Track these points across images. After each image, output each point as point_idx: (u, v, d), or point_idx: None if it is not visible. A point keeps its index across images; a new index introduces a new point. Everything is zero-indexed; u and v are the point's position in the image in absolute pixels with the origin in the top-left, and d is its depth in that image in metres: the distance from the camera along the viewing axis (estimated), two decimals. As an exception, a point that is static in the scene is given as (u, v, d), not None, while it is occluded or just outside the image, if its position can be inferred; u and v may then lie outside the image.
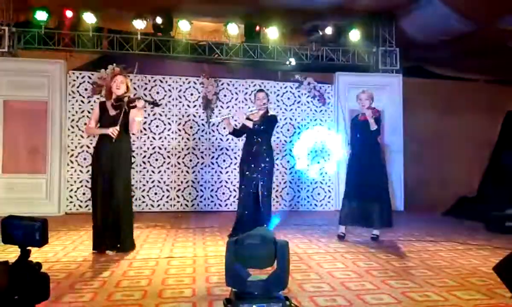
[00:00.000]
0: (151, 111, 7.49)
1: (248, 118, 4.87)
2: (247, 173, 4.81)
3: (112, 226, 4.09)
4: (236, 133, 5.15)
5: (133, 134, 4.33)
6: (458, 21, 6.81)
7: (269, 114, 4.93)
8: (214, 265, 3.68)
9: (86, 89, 7.32)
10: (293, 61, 8.10)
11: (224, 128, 5.16)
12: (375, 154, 4.83)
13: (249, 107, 5.06)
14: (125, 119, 4.12)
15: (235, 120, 5.58)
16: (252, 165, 4.78)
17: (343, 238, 4.86)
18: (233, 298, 2.39)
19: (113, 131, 4.03)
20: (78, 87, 7.33)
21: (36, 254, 3.98)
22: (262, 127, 4.79)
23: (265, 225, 4.78)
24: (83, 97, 7.33)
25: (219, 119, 5.29)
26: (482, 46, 7.95)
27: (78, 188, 7.26)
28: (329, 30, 7.76)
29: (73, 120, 7.30)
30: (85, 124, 7.28)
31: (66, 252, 4.19)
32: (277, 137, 7.89)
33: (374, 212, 4.69)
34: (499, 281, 2.98)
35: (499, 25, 6.95)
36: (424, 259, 3.95)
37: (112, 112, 4.14)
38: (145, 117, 7.48)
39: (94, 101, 7.35)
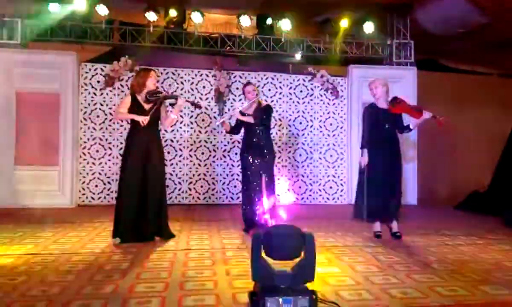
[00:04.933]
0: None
1: (242, 114, 4.86)
2: (249, 166, 4.82)
3: (149, 216, 4.17)
4: (234, 130, 5.13)
5: (165, 130, 4.43)
6: (475, 12, 6.69)
7: (262, 105, 4.92)
8: (233, 257, 3.65)
9: (98, 81, 7.30)
10: (298, 56, 7.99)
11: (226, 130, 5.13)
12: (399, 148, 4.65)
13: (241, 104, 5.01)
14: (158, 113, 4.29)
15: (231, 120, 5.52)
16: (254, 158, 4.79)
17: (381, 236, 4.53)
18: (259, 292, 2.36)
19: (144, 120, 4.13)
20: (90, 79, 7.31)
21: (52, 246, 4.01)
22: (260, 120, 4.78)
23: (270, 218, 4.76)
24: (96, 89, 7.30)
25: (219, 122, 5.28)
26: (497, 39, 7.83)
27: (90, 181, 7.25)
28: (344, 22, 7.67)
29: (85, 112, 7.28)
30: (98, 116, 7.30)
31: (82, 244, 4.18)
32: (289, 130, 7.84)
33: (394, 206, 4.54)
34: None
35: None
36: (445, 253, 3.89)
37: (146, 106, 4.24)
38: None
39: (107, 93, 7.33)
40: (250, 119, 4.78)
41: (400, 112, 4.55)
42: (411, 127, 4.61)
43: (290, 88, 7.88)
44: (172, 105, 4.40)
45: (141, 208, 4.16)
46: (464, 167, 9.13)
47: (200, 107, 4.74)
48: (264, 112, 4.84)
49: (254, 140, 4.83)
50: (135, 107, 4.25)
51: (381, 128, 4.54)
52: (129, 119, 4.34)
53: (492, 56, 9.05)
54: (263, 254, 2.45)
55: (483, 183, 9.06)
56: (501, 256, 3.79)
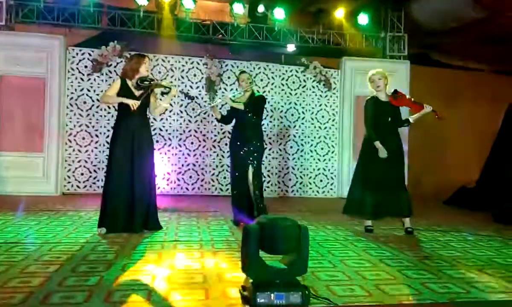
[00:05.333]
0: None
1: (234, 101, 4.76)
2: (237, 156, 4.72)
3: (138, 206, 4.03)
4: (225, 120, 4.99)
5: (154, 118, 4.31)
6: (471, 7, 6.64)
7: (256, 95, 4.82)
8: (222, 250, 3.56)
9: (86, 66, 7.11)
10: (291, 48, 7.85)
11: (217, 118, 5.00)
12: (401, 142, 4.56)
13: (233, 93, 4.88)
14: (147, 100, 4.15)
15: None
16: (242, 148, 4.67)
17: (372, 230, 4.48)
18: (250, 286, 2.27)
19: (135, 103, 3.98)
20: (77, 64, 7.11)
21: (35, 235, 3.87)
22: (251, 109, 4.66)
23: (258, 210, 4.66)
24: (83, 74, 7.11)
25: (209, 106, 5.17)
26: (491, 34, 7.81)
27: (76, 168, 7.09)
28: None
29: (72, 98, 7.09)
30: (85, 102, 7.11)
31: (66, 233, 4.04)
32: (281, 122, 7.75)
33: (405, 201, 4.42)
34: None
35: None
36: (436, 249, 3.85)
37: (137, 92, 4.10)
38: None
39: (94, 79, 7.14)
40: (240, 106, 4.67)
41: (401, 105, 4.45)
42: (410, 120, 4.51)
43: (283, 79, 7.78)
44: (163, 94, 4.29)
45: (129, 198, 4.02)
46: (453, 162, 9.16)
47: (192, 98, 4.64)
48: (256, 102, 4.73)
49: (245, 129, 4.72)
50: (125, 93, 4.09)
51: (384, 122, 4.41)
52: (117, 103, 4.14)
53: (484, 52, 9.04)
54: (256, 247, 2.37)
55: (471, 179, 9.12)
56: (492, 253, 3.76)
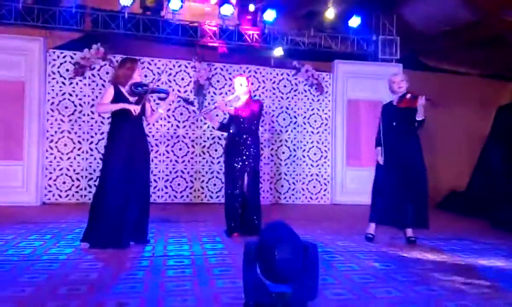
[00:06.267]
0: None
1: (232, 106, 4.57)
2: (233, 163, 4.49)
3: (130, 220, 3.77)
4: (224, 127, 4.76)
5: (147, 124, 4.08)
6: (463, 9, 6.53)
7: (253, 100, 4.65)
8: (216, 265, 3.29)
9: (67, 70, 6.76)
10: (279, 52, 7.61)
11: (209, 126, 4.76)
12: (415, 147, 4.30)
13: (222, 97, 4.66)
14: (143, 106, 3.88)
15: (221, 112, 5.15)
16: (238, 154, 4.46)
17: (372, 239, 4.29)
18: (252, 313, 2.02)
19: (136, 109, 3.74)
20: (59, 67, 6.75)
21: (11, 251, 3.54)
22: (252, 115, 4.48)
23: (254, 218, 4.48)
24: (64, 78, 6.76)
25: (201, 115, 4.94)
26: (482, 38, 7.72)
27: (58, 177, 6.71)
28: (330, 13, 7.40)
29: (53, 103, 6.73)
30: (66, 107, 6.77)
31: (46, 248, 3.72)
32: (272, 127, 7.52)
33: (409, 211, 4.21)
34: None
35: (504, 16, 6.71)
36: (442, 259, 3.65)
37: (131, 99, 3.85)
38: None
39: (77, 83, 6.80)
40: (231, 111, 4.48)
41: (404, 106, 4.21)
42: (417, 118, 4.18)
43: (274, 82, 7.55)
44: (161, 99, 4.06)
45: (122, 212, 3.71)
46: (442, 166, 9.05)
47: (192, 104, 4.40)
48: (257, 107, 4.54)
49: (241, 136, 4.49)
50: (119, 100, 3.80)
51: (390, 127, 4.30)
52: (114, 109, 3.81)
53: (474, 56, 8.99)
54: (255, 269, 2.12)
55: (461, 183, 9.04)
56: (502, 263, 3.57)
